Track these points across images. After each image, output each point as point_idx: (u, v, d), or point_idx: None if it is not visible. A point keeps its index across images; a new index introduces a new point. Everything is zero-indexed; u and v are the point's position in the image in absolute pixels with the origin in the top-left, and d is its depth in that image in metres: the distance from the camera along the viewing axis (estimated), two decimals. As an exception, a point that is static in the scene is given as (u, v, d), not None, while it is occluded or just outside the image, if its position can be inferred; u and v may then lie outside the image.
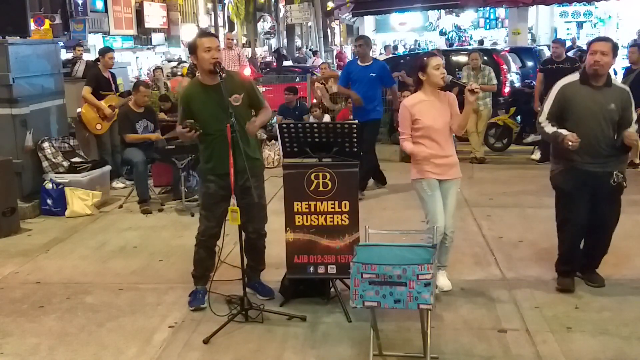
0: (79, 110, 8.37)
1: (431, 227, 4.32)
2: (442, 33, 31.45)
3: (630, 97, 4.41)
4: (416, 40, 29.56)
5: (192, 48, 4.24)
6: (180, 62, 22.94)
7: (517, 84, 11.30)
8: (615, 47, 4.37)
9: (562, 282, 4.62)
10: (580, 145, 4.24)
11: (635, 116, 4.42)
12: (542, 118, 4.47)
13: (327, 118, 9.95)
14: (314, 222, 4.37)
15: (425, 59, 4.45)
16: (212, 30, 30.47)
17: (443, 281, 4.57)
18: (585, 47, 19.63)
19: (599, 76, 4.31)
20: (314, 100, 10.75)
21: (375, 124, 7.66)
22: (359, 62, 7.59)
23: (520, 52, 14.23)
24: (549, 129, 4.41)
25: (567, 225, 4.57)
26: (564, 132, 4.30)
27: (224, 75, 4.12)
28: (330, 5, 34.32)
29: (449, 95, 4.53)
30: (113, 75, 8.75)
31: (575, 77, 4.46)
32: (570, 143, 4.20)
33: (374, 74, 7.41)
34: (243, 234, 4.33)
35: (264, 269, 4.74)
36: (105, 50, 8.76)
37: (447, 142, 4.48)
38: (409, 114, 4.43)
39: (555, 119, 4.42)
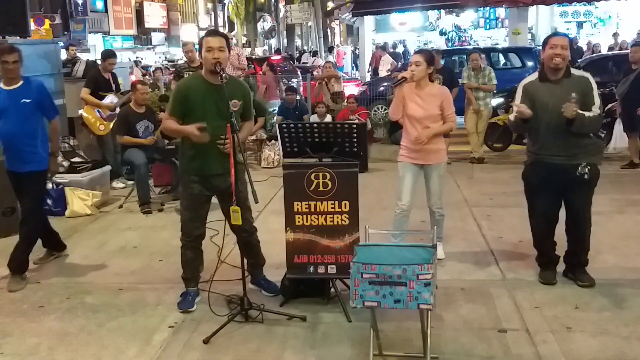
0: (80, 111, 8.37)
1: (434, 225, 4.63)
2: (442, 33, 31.41)
3: (591, 83, 4.48)
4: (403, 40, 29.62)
5: (199, 46, 4.30)
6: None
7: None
8: (571, 42, 4.56)
9: (543, 275, 4.78)
10: (547, 139, 4.44)
11: (597, 101, 4.44)
12: (512, 116, 4.65)
13: (328, 118, 9.95)
14: (314, 222, 4.37)
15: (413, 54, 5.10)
16: (212, 30, 30.38)
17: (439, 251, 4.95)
18: (585, 48, 19.75)
19: (559, 70, 4.42)
20: (323, 98, 10.79)
21: (37, 177, 5.04)
22: (2, 85, 5.07)
23: (520, 52, 14.26)
24: (512, 117, 4.63)
25: (534, 216, 4.78)
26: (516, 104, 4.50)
27: (224, 75, 4.14)
28: (330, 5, 34.34)
29: (439, 88, 5.04)
30: (114, 75, 8.74)
31: (534, 76, 4.64)
32: (518, 110, 4.40)
33: (27, 100, 5.00)
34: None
35: (264, 263, 4.76)
36: (107, 55, 8.66)
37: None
38: (401, 94, 4.98)
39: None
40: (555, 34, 4.66)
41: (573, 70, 4.51)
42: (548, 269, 4.78)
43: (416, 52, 5.15)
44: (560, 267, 4.82)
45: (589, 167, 4.41)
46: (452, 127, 5.07)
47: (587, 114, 4.32)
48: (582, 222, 4.65)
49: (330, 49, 24.59)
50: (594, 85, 4.48)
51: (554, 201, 4.64)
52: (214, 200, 4.51)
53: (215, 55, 4.14)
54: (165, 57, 26.69)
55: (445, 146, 5.20)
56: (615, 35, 19.26)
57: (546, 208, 4.67)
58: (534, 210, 4.76)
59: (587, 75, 4.55)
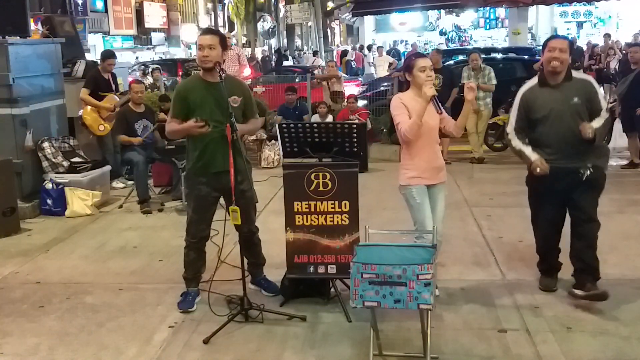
0: (80, 112, 8.37)
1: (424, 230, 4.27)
2: (442, 33, 31.48)
3: (594, 86, 4.30)
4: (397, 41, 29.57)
5: (196, 45, 4.34)
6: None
7: None
8: (571, 45, 4.35)
9: (543, 281, 4.64)
10: (551, 146, 4.25)
11: (603, 104, 4.29)
12: (510, 129, 4.43)
13: (329, 118, 9.97)
14: (314, 222, 4.37)
15: (413, 59, 4.36)
16: (213, 30, 30.26)
17: None
18: (584, 48, 19.76)
19: (558, 74, 4.25)
20: (324, 98, 10.81)
21: None
22: None
23: (520, 52, 14.28)
24: (515, 142, 4.38)
25: (539, 223, 4.58)
26: (530, 154, 4.28)
27: (223, 75, 4.16)
28: (330, 5, 34.33)
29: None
30: (113, 75, 8.75)
31: (534, 81, 4.41)
32: (538, 170, 4.22)
33: None
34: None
35: (264, 263, 4.77)
36: (107, 56, 8.68)
37: (435, 145, 4.37)
38: (402, 104, 4.27)
39: (522, 128, 4.37)
40: (553, 36, 4.47)
41: (574, 73, 4.34)
42: (549, 276, 4.66)
43: (424, 56, 4.44)
44: (565, 274, 4.80)
45: (591, 169, 4.23)
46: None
47: (596, 123, 4.17)
48: (590, 227, 4.36)
49: (369, 48, 24.11)
50: (598, 88, 4.33)
51: (559, 207, 4.45)
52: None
53: (204, 53, 4.17)
54: (161, 58, 26.66)
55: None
56: (606, 36, 19.18)
57: (552, 214, 4.47)
58: (540, 216, 4.56)
59: (589, 78, 4.40)
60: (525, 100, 4.36)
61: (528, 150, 4.32)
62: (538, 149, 4.32)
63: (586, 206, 4.35)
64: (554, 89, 4.28)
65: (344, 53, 21.60)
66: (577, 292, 4.35)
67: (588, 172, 4.23)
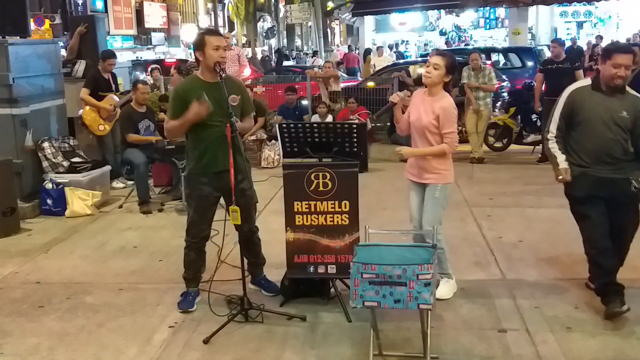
0: (80, 111, 8.37)
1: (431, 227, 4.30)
2: (442, 33, 31.46)
3: None
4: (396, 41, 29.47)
5: (200, 45, 4.24)
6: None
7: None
8: (633, 54, 4.24)
9: (609, 309, 4.10)
10: (595, 152, 4.14)
11: None
12: (552, 128, 4.30)
13: (329, 118, 9.97)
14: (314, 221, 4.37)
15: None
16: (212, 31, 30.26)
17: (442, 289, 4.46)
18: (585, 48, 19.75)
19: (618, 87, 4.12)
20: (322, 98, 10.81)
21: None
22: None
23: (520, 52, 14.29)
24: (552, 145, 4.28)
25: (586, 228, 4.24)
26: (560, 162, 4.22)
27: (223, 75, 4.18)
28: (330, 5, 34.36)
29: (442, 101, 4.31)
30: (114, 75, 8.74)
31: (586, 82, 4.29)
32: (560, 177, 4.20)
33: None
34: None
35: (264, 263, 4.77)
36: (107, 55, 8.66)
37: (421, 144, 4.39)
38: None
39: (564, 126, 4.27)
40: (620, 48, 4.15)
41: (628, 88, 4.17)
42: (611, 297, 4.13)
43: (437, 54, 4.47)
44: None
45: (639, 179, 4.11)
46: (443, 150, 4.28)
47: None
48: (627, 238, 4.27)
49: (390, 47, 23.72)
50: None
51: (604, 212, 4.17)
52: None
53: (222, 54, 4.20)
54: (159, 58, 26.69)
55: (447, 166, 4.41)
56: (598, 38, 19.11)
57: (602, 219, 4.15)
58: (586, 222, 4.22)
59: None
60: (572, 99, 4.23)
61: (560, 158, 4.23)
62: (575, 154, 4.22)
63: (626, 224, 4.25)
64: (606, 96, 4.14)
65: (368, 51, 21.40)
66: (591, 284, 4.46)
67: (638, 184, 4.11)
